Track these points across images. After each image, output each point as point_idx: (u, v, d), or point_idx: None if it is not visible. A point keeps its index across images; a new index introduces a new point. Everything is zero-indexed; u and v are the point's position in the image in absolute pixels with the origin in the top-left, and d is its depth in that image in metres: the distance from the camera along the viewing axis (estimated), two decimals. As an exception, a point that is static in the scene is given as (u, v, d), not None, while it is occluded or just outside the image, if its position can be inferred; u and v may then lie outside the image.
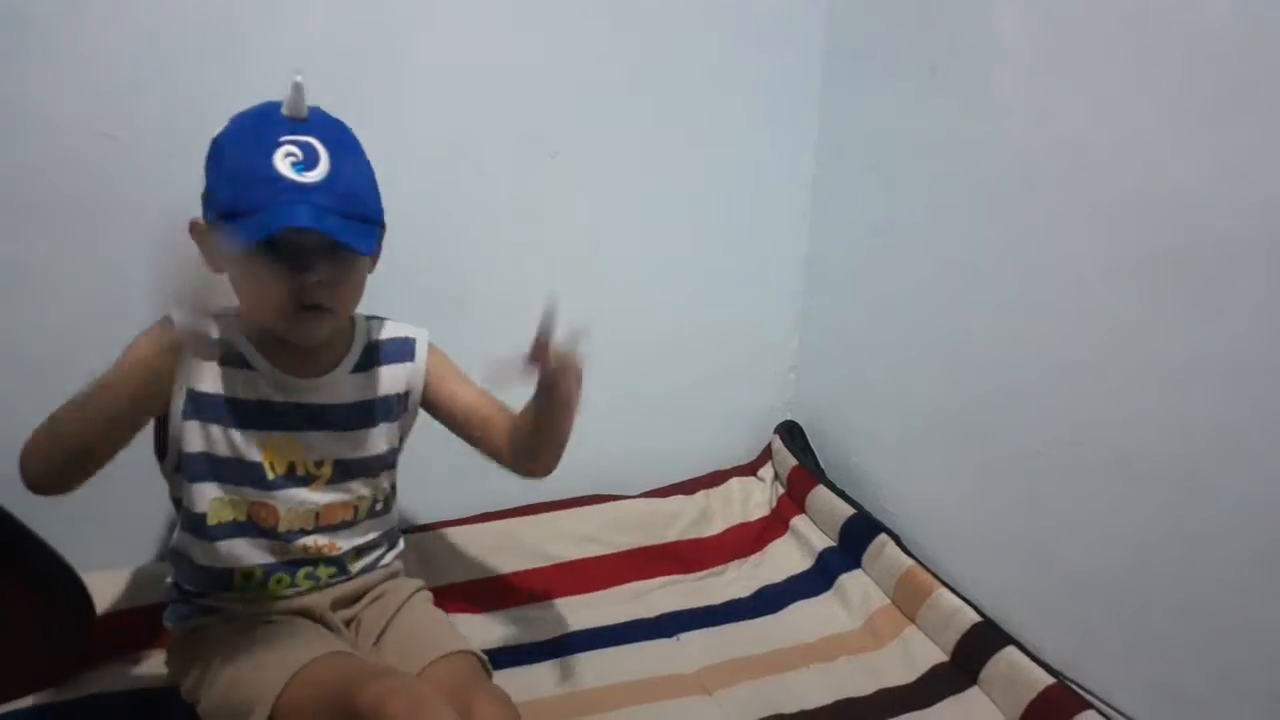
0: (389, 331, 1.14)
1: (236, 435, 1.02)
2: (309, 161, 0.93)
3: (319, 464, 1.07)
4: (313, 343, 1.03)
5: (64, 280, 1.23)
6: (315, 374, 1.06)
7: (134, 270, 1.21)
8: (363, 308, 1.15)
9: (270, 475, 1.04)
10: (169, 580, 1.11)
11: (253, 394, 1.03)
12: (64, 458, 0.90)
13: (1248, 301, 0.97)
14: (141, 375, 0.90)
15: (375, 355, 1.11)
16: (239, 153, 0.94)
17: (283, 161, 0.92)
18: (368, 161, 1.01)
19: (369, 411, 1.10)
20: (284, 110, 0.95)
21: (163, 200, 1.21)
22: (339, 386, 1.08)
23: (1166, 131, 1.03)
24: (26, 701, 1.10)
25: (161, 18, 1.19)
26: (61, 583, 1.11)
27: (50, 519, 1.09)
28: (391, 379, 1.12)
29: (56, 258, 1.22)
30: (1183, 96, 1.01)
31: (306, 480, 1.07)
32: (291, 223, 0.91)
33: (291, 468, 1.06)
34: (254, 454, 1.03)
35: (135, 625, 1.20)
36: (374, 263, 1.07)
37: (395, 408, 1.13)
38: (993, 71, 1.24)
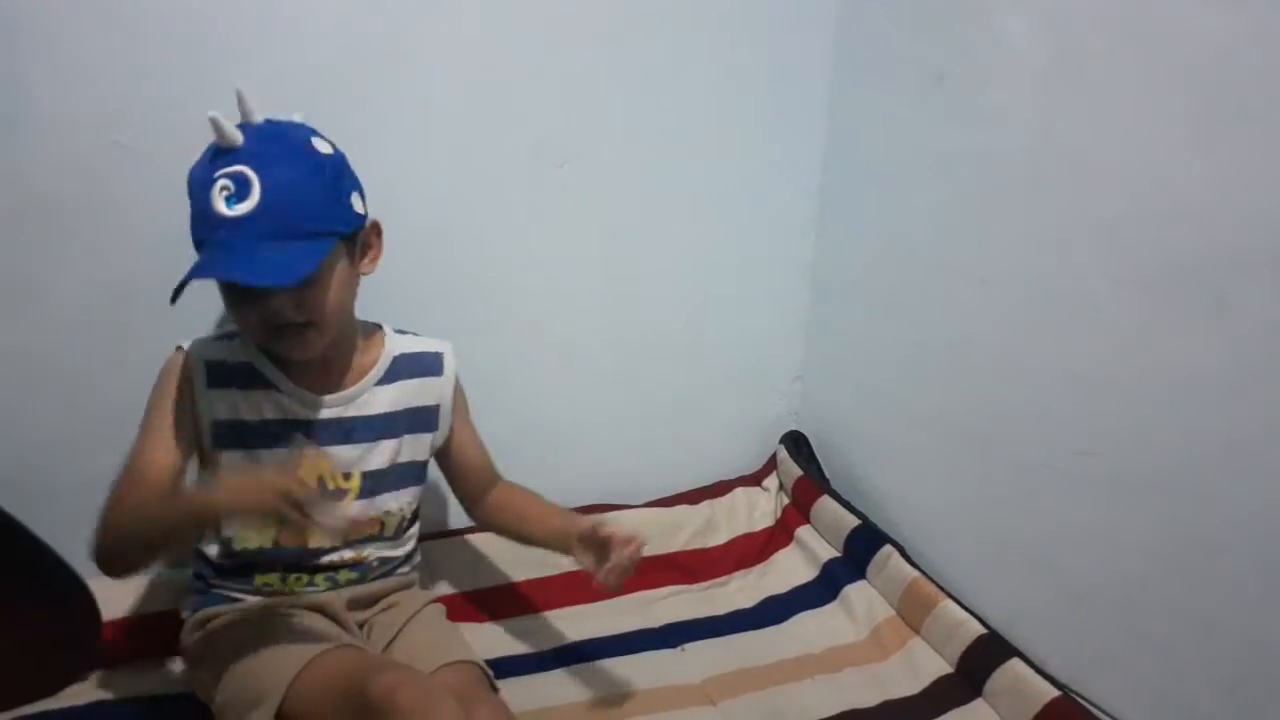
0: (415, 345, 1.15)
1: (269, 456, 1.04)
2: (240, 192, 0.94)
3: (347, 476, 1.09)
4: (307, 357, 1.03)
5: (69, 287, 1.23)
6: (338, 388, 1.08)
7: (138, 278, 1.23)
8: (377, 318, 1.16)
9: None
10: (190, 572, 1.13)
11: (281, 413, 1.05)
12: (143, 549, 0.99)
13: (1254, 310, 0.97)
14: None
15: (402, 368, 1.13)
16: (191, 192, 0.97)
17: (218, 197, 0.94)
18: (313, 165, 0.99)
19: (395, 423, 1.12)
20: (216, 142, 0.97)
21: (167, 209, 1.23)
22: (365, 400, 1.10)
23: (1172, 141, 1.03)
24: (32, 709, 1.10)
25: (169, 28, 1.19)
26: (67, 589, 1.11)
27: (57, 524, 1.09)
28: (420, 391, 1.14)
29: (61, 265, 1.22)
30: (1188, 106, 1.01)
31: (337, 496, 1.08)
32: (203, 274, 0.93)
33: (321, 483, 1.07)
34: None
35: (143, 632, 1.21)
36: (372, 262, 1.06)
37: (429, 420, 1.15)
38: (999, 81, 1.24)
